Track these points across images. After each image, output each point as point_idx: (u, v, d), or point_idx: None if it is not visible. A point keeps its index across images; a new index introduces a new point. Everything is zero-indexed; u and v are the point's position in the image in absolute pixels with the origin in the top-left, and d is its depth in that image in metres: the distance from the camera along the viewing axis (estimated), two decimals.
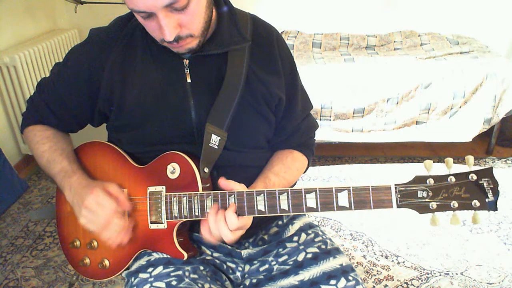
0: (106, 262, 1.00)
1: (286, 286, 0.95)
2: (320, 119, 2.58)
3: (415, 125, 2.61)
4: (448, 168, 0.77)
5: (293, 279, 0.95)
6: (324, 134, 2.60)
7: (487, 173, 0.74)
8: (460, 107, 2.56)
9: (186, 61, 0.96)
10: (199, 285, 0.92)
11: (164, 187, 0.94)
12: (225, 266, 1.04)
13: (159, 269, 0.95)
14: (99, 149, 1.05)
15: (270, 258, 1.02)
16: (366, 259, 1.91)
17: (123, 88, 0.96)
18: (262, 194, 0.86)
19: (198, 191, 0.91)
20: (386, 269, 1.84)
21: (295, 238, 1.04)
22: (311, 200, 0.83)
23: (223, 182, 0.88)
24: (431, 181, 0.77)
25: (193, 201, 0.90)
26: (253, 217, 0.89)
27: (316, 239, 1.02)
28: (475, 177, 0.75)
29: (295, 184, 1.09)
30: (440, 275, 1.80)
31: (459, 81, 2.52)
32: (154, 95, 0.96)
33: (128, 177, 0.98)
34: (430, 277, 1.79)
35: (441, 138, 2.66)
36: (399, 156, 2.84)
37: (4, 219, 2.27)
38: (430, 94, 2.53)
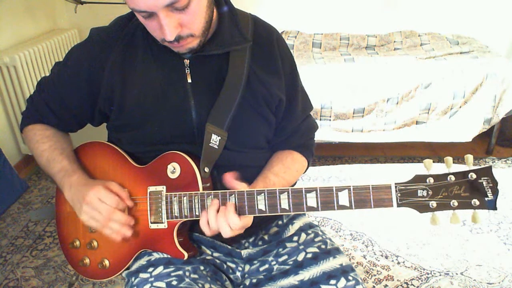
0: (106, 262, 1.00)
1: (286, 286, 0.95)
2: (320, 119, 2.58)
3: (415, 125, 2.61)
4: (447, 167, 0.77)
5: (293, 279, 0.95)
6: (324, 134, 2.60)
7: (487, 172, 0.74)
8: (460, 107, 2.56)
9: (186, 61, 0.96)
10: (200, 285, 0.92)
11: (164, 187, 0.94)
12: (225, 266, 1.04)
13: (160, 269, 0.96)
14: (99, 149, 1.05)
15: (270, 258, 1.02)
16: (366, 259, 1.91)
17: (123, 88, 0.96)
18: (263, 194, 0.86)
19: (199, 190, 0.91)
20: (386, 269, 1.84)
21: (295, 238, 1.04)
22: (311, 200, 0.84)
23: (228, 178, 0.88)
24: (431, 180, 0.77)
25: (193, 200, 0.90)
26: (253, 216, 0.89)
27: (316, 239, 1.02)
28: (474, 176, 0.75)
29: (295, 184, 1.09)
30: (440, 275, 1.80)
31: (459, 81, 2.52)
32: (155, 95, 0.96)
33: (128, 177, 0.98)
34: (430, 277, 1.79)
35: (441, 138, 2.66)
36: (399, 156, 2.84)
37: (4, 219, 2.27)
38: (430, 94, 2.53)
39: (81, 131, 1.14)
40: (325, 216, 2.22)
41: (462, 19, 3.12)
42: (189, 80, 0.96)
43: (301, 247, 1.01)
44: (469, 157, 0.75)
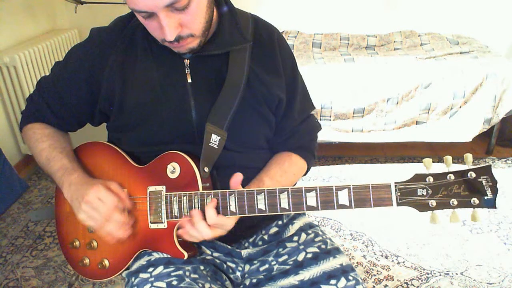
0: (106, 262, 1.00)
1: (286, 286, 0.95)
2: (320, 119, 2.58)
3: (415, 125, 2.61)
4: (447, 166, 0.77)
5: (293, 279, 0.95)
6: (324, 134, 2.60)
7: (486, 171, 0.74)
8: (460, 107, 2.56)
9: (186, 61, 0.96)
10: (200, 284, 0.92)
11: (164, 186, 0.94)
12: (225, 266, 1.04)
13: (160, 269, 0.95)
14: (98, 149, 1.05)
15: (270, 258, 1.02)
16: (366, 259, 1.91)
17: (123, 88, 0.96)
18: (263, 193, 0.86)
19: (198, 190, 0.91)
20: (386, 269, 1.84)
21: (295, 238, 1.03)
22: (311, 199, 0.84)
23: (234, 182, 0.88)
24: (430, 179, 0.77)
25: (193, 200, 0.90)
26: (253, 217, 0.89)
27: (316, 239, 1.02)
28: (474, 175, 0.75)
29: (294, 185, 1.09)
30: (440, 275, 1.80)
31: (459, 81, 2.52)
32: (155, 95, 0.96)
33: (128, 177, 0.98)
34: (430, 277, 1.79)
35: (441, 138, 2.66)
36: (399, 156, 2.84)
37: (4, 219, 2.27)
38: (430, 94, 2.53)
39: (81, 131, 1.14)
40: (325, 216, 2.22)
41: (462, 19, 3.12)
42: (189, 80, 0.96)
43: (301, 247, 1.00)
44: (469, 156, 0.75)
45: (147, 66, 0.96)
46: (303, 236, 1.03)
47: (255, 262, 1.04)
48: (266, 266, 1.01)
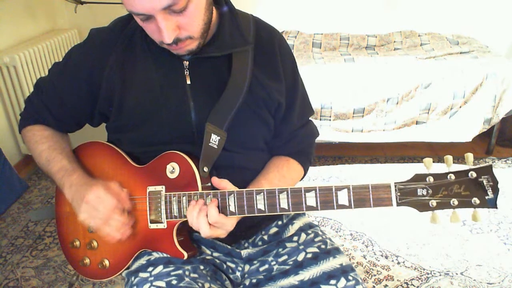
0: (106, 262, 1.00)
1: (286, 286, 0.94)
2: (320, 119, 2.58)
3: (415, 125, 2.61)
4: (447, 166, 0.77)
5: (293, 279, 0.95)
6: (324, 134, 2.60)
7: (487, 170, 0.74)
8: (460, 107, 2.56)
9: (186, 63, 0.95)
10: (199, 284, 0.92)
11: (163, 186, 0.94)
12: (225, 266, 1.04)
13: (159, 268, 0.95)
14: (98, 149, 1.05)
15: (270, 258, 1.02)
16: (366, 259, 1.91)
17: (122, 89, 0.96)
18: (262, 193, 0.86)
19: (198, 190, 0.91)
20: (386, 269, 1.84)
21: (295, 238, 1.03)
22: (311, 199, 0.83)
23: (215, 180, 0.89)
24: (430, 179, 0.77)
25: (193, 200, 0.90)
26: (253, 217, 0.89)
27: (316, 239, 1.02)
28: (474, 175, 0.75)
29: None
30: (440, 275, 1.80)
31: (459, 81, 2.52)
32: (154, 96, 0.96)
33: (128, 177, 0.98)
34: (430, 277, 1.79)
35: (441, 138, 2.66)
36: (399, 156, 2.84)
37: (4, 219, 2.27)
38: (430, 94, 2.53)
39: (80, 131, 1.14)
40: (325, 216, 2.22)
41: (462, 19, 3.12)
42: (188, 82, 0.96)
43: (301, 247, 1.00)
44: (469, 156, 0.75)
45: (147, 67, 0.96)
46: (303, 236, 1.03)
47: (255, 262, 1.04)
48: (266, 266, 1.01)
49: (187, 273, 0.94)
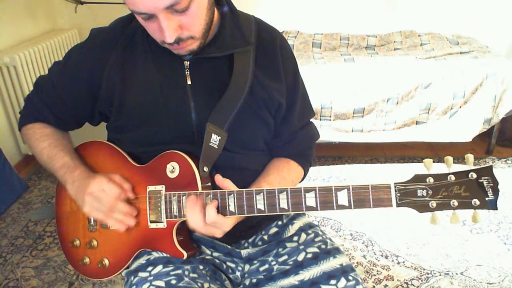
0: (106, 262, 1.00)
1: (286, 286, 0.94)
2: (320, 119, 2.58)
3: (415, 125, 2.61)
4: (448, 166, 0.77)
5: (293, 279, 0.95)
6: (324, 134, 2.60)
7: (487, 171, 0.74)
8: (460, 107, 2.56)
9: (186, 63, 0.96)
10: (199, 284, 0.92)
11: (163, 186, 0.94)
12: (224, 266, 1.04)
13: (159, 268, 0.95)
14: (98, 149, 1.05)
15: (270, 258, 1.02)
16: (366, 259, 1.91)
17: (123, 89, 0.96)
18: (262, 193, 0.86)
19: (198, 190, 0.91)
20: (386, 269, 1.84)
21: (295, 238, 1.03)
22: (310, 199, 0.83)
23: (219, 179, 0.88)
24: (430, 180, 0.77)
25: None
26: (253, 217, 0.89)
27: (316, 239, 1.02)
28: (475, 176, 0.75)
29: None
30: (440, 275, 1.80)
31: (459, 81, 2.52)
32: (154, 96, 0.96)
33: (128, 177, 0.98)
34: (430, 277, 1.79)
35: (441, 138, 2.66)
36: (399, 156, 2.84)
37: (4, 219, 2.27)
38: (430, 94, 2.53)
39: (81, 131, 1.14)
40: (325, 216, 2.22)
41: (462, 19, 3.12)
42: (189, 82, 0.96)
43: (301, 247, 1.00)
44: (470, 157, 0.75)
45: (147, 67, 0.96)
46: (303, 236, 1.03)
47: (255, 262, 1.04)
48: (266, 266, 1.01)
49: (186, 273, 0.94)
